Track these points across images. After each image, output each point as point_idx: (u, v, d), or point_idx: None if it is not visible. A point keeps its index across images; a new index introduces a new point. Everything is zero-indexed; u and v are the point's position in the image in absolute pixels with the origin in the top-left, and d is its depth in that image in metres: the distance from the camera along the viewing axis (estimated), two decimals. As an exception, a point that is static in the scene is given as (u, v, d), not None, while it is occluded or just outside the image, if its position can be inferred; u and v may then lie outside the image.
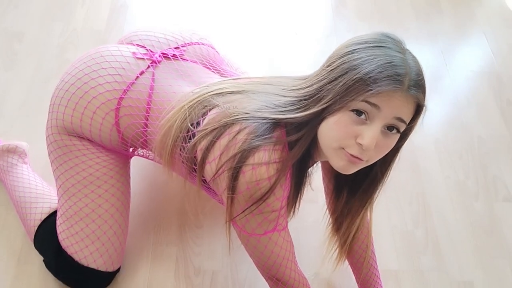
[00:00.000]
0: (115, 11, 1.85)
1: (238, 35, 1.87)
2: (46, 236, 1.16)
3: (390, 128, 0.84)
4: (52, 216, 1.17)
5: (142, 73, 1.08)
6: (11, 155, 1.32)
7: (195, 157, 0.95)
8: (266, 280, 1.01)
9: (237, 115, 0.89)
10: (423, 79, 0.84)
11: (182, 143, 0.96)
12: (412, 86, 0.81)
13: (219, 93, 0.96)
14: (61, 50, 1.69)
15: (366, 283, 1.17)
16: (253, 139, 0.86)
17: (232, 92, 0.96)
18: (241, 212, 0.89)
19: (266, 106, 0.90)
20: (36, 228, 1.17)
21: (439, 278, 1.31)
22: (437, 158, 1.57)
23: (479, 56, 1.89)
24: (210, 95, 0.96)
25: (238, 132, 0.88)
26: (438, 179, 1.52)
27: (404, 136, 0.90)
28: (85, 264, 1.11)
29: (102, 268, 1.13)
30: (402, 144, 0.93)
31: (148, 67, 1.09)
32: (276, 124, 0.89)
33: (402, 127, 0.85)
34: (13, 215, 1.29)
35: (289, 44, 1.85)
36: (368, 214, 1.09)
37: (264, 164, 0.85)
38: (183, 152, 0.96)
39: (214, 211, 1.35)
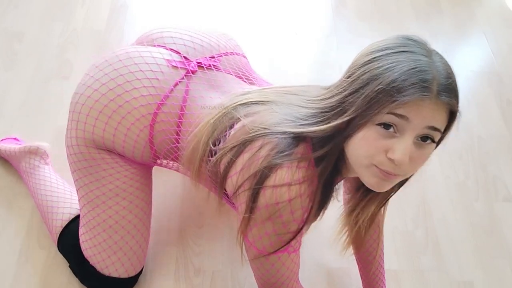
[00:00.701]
0: (115, 11, 1.85)
1: (238, 35, 1.86)
2: (68, 244, 1.17)
3: (423, 138, 0.77)
4: (73, 223, 1.17)
5: (176, 84, 1.01)
6: (33, 157, 1.30)
7: (218, 171, 0.92)
8: None
9: (256, 131, 0.85)
10: (454, 82, 0.77)
11: (208, 157, 0.93)
12: (442, 91, 0.74)
13: (243, 103, 0.92)
14: (61, 50, 1.69)
15: (372, 281, 1.17)
16: (275, 156, 0.82)
17: (256, 102, 0.91)
18: (256, 228, 0.86)
19: (287, 119, 0.86)
20: (58, 235, 1.18)
21: (439, 278, 1.31)
22: (437, 158, 1.57)
23: (479, 56, 1.89)
24: (234, 106, 0.92)
25: (260, 148, 0.84)
26: (438, 179, 1.52)
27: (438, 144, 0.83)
28: (107, 274, 1.12)
29: (124, 275, 1.13)
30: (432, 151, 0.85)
31: (183, 77, 1.02)
32: (300, 138, 0.84)
33: (437, 136, 0.78)
34: (13, 215, 1.29)
35: (289, 44, 1.85)
36: (382, 211, 1.05)
37: (285, 185, 0.81)
38: (208, 166, 0.94)
39: (214, 211, 1.35)
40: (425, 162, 0.81)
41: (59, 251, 1.20)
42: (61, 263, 1.21)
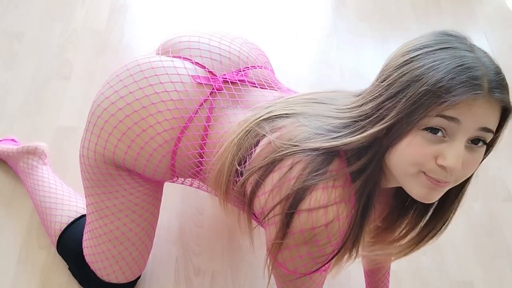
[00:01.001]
0: (115, 11, 1.85)
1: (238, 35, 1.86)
2: (68, 248, 1.17)
3: (475, 141, 0.70)
4: (72, 226, 1.17)
5: (201, 104, 0.95)
6: (31, 157, 1.30)
7: (245, 191, 0.86)
8: None
9: (286, 149, 0.78)
10: (504, 77, 0.72)
11: (235, 177, 0.87)
12: (494, 88, 0.68)
13: (267, 118, 0.85)
14: (61, 50, 1.69)
15: (376, 284, 1.16)
16: (308, 176, 0.75)
17: (280, 116, 0.84)
18: (287, 251, 0.79)
19: (317, 133, 0.78)
20: (57, 238, 1.18)
21: (439, 278, 1.31)
22: (437, 158, 1.57)
23: (479, 56, 1.89)
24: (258, 121, 0.85)
25: (291, 168, 0.77)
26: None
27: (490, 147, 0.77)
28: (106, 280, 1.12)
29: (123, 281, 1.14)
30: (487, 155, 0.78)
31: (208, 96, 0.96)
32: (333, 153, 0.77)
33: (489, 137, 0.72)
34: (13, 215, 1.29)
35: (289, 44, 1.85)
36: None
37: (322, 207, 0.74)
38: (234, 187, 0.88)
39: (215, 211, 1.35)
40: (477, 166, 0.74)
41: (58, 253, 1.20)
42: (61, 263, 1.21)
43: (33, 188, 1.26)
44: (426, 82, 0.68)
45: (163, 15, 1.88)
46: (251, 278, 1.24)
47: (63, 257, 1.20)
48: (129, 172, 1.01)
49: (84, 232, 1.13)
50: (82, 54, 1.68)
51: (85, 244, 1.12)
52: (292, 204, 0.75)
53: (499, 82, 0.70)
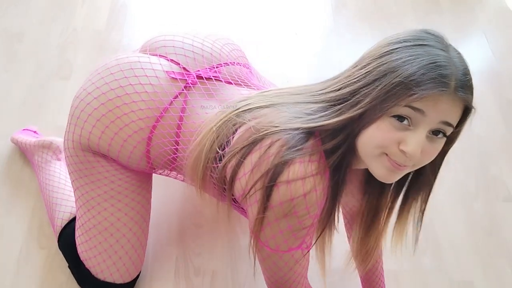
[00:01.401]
0: (115, 11, 1.85)
1: (238, 35, 1.86)
2: (66, 245, 1.17)
3: (436, 132, 0.78)
4: (72, 222, 1.17)
5: (175, 97, 1.00)
6: (46, 151, 1.33)
7: (225, 176, 0.90)
8: None
9: (266, 130, 0.83)
10: (470, 78, 0.78)
11: (213, 164, 0.91)
12: (459, 87, 0.75)
13: (246, 110, 0.90)
14: (61, 50, 1.69)
15: (372, 284, 1.16)
16: (286, 152, 0.80)
17: (259, 107, 0.90)
18: (269, 227, 0.84)
19: (296, 116, 0.84)
20: (58, 234, 1.19)
21: (439, 278, 1.31)
22: (437, 158, 1.57)
23: (479, 56, 1.89)
24: (237, 112, 0.90)
25: (270, 146, 0.82)
26: (438, 179, 1.52)
27: (451, 140, 0.84)
28: (102, 279, 1.12)
29: (119, 281, 1.13)
30: (450, 147, 0.87)
31: (182, 90, 1.01)
32: (309, 133, 0.83)
33: (449, 131, 0.79)
34: (13, 215, 1.29)
35: (289, 44, 1.85)
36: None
37: (300, 179, 0.80)
38: (213, 174, 0.91)
39: (214, 211, 1.35)
40: (435, 155, 0.81)
41: (60, 249, 1.20)
42: (61, 263, 1.21)
43: (44, 183, 1.28)
44: (400, 74, 0.74)
45: (163, 15, 1.88)
46: (251, 278, 1.24)
47: (63, 254, 1.20)
48: (105, 158, 1.05)
49: (76, 228, 1.14)
50: (82, 54, 1.68)
51: (78, 241, 1.13)
52: (272, 178, 0.80)
53: (465, 82, 0.76)
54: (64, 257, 1.19)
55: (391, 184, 0.96)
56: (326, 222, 0.88)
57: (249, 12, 1.96)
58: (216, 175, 0.90)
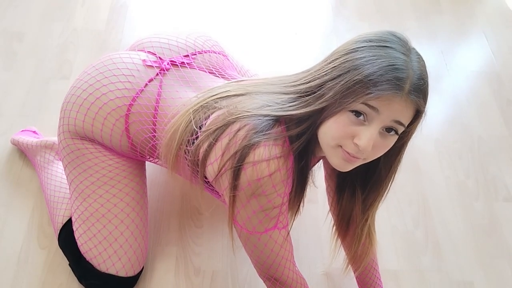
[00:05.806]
0: (115, 11, 1.85)
1: (238, 35, 1.87)
2: (66, 242, 1.17)
3: (388, 129, 0.84)
4: (70, 222, 1.17)
5: (151, 80, 1.09)
6: (48, 151, 1.33)
7: (198, 159, 0.95)
8: (264, 281, 1.02)
9: (239, 114, 0.90)
10: (425, 83, 0.82)
11: (187, 146, 0.96)
12: (412, 91, 0.80)
13: (223, 97, 0.96)
14: (61, 50, 1.69)
15: (368, 284, 1.17)
16: (253, 136, 0.86)
17: (235, 95, 0.96)
18: (243, 209, 0.89)
19: (268, 104, 0.90)
20: (58, 232, 1.19)
21: (439, 278, 1.31)
22: (437, 158, 1.57)
23: (479, 56, 1.89)
24: (214, 98, 0.96)
25: (239, 130, 0.88)
26: (438, 179, 1.52)
27: (402, 138, 0.89)
28: (104, 270, 1.12)
29: (122, 273, 1.13)
30: (404, 146, 0.92)
31: (157, 74, 1.10)
32: (276, 120, 0.89)
33: (401, 130, 0.85)
34: (14, 215, 1.29)
35: (289, 44, 1.86)
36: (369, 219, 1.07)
37: (264, 161, 0.85)
38: (187, 155, 0.97)
39: (214, 211, 1.35)
40: (386, 150, 0.87)
41: (60, 248, 1.20)
42: (61, 263, 1.21)
43: (46, 183, 1.28)
44: (361, 73, 0.80)
45: (163, 15, 1.88)
46: (251, 278, 1.25)
47: (63, 252, 1.20)
48: (92, 143, 1.11)
49: (73, 222, 1.14)
50: (82, 54, 1.68)
51: (76, 234, 1.13)
52: (240, 159, 0.86)
53: (418, 86, 0.81)
54: (64, 254, 1.19)
55: (348, 183, 1.04)
56: (296, 202, 0.96)
57: (249, 12, 1.96)
58: (190, 157, 0.96)
